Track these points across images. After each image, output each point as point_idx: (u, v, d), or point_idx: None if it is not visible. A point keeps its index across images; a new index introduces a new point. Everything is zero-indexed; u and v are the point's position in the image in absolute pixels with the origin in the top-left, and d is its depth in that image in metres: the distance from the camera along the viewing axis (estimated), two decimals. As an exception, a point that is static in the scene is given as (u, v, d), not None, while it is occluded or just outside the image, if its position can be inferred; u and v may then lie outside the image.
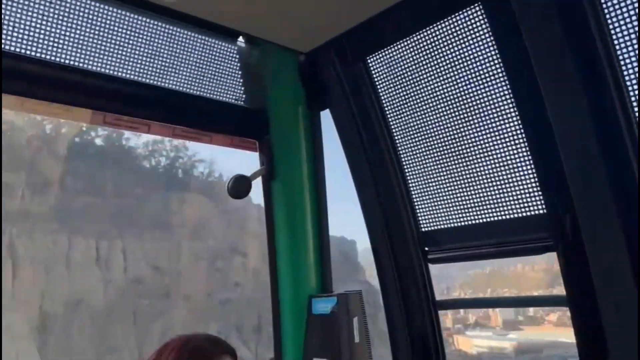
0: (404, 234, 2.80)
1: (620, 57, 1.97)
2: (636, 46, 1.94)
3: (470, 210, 2.61)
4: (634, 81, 1.96)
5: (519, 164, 2.45)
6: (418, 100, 2.70)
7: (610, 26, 1.97)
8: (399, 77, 2.71)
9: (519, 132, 2.43)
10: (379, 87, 2.78)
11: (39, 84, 2.45)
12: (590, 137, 1.98)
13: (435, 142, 2.70)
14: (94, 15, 2.50)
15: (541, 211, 2.36)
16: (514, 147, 2.46)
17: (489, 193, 2.55)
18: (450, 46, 2.56)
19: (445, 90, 2.62)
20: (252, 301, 58.06)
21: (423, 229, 2.83)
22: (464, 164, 2.64)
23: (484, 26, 2.42)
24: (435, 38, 2.59)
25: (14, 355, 40.64)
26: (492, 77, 2.44)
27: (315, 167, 3.08)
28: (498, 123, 2.48)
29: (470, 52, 2.54)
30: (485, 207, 2.56)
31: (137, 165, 74.64)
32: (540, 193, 2.38)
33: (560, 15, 1.99)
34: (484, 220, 2.57)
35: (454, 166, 2.67)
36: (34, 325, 45.34)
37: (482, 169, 2.58)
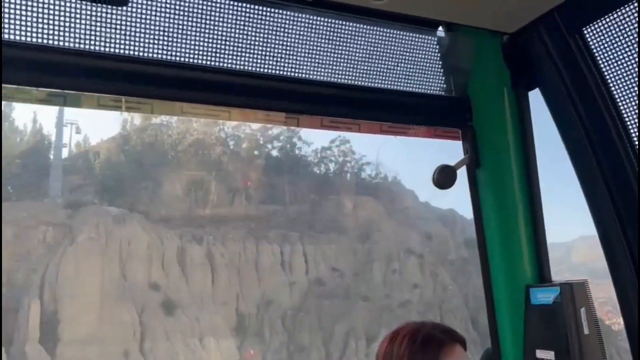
0: None
1: None
2: None
3: None
4: None
5: None
6: None
7: None
8: (625, 46, 2.49)
9: None
10: (599, 59, 2.57)
11: (261, 96, 2.58)
12: None
13: None
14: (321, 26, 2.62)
15: None
16: None
17: None
18: None
19: None
20: (432, 303, 56.30)
21: None
22: None
23: None
24: None
25: (219, 354, 44.39)
26: None
27: (525, 150, 2.91)
28: None
29: None
30: None
31: (310, 172, 77.70)
32: None
33: None
34: None
35: None
36: (232, 326, 49.24)
37: None
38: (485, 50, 2.93)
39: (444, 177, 2.83)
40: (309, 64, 2.59)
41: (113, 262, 41.56)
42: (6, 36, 2.04)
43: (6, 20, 2.03)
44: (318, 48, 2.59)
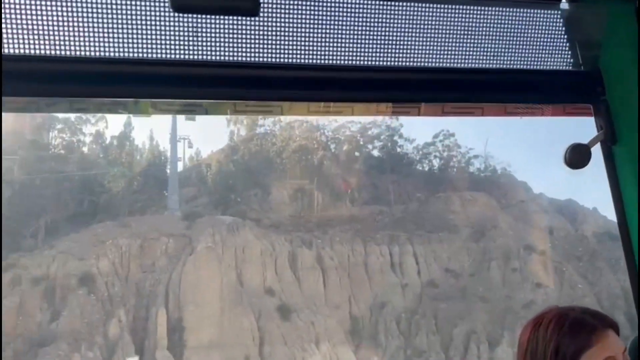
0: None
1: None
2: None
3: None
4: None
5: None
6: None
7: None
8: None
9: None
10: None
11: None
12: None
13: None
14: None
15: None
16: None
17: None
18: None
19: None
20: (560, 304, 50.74)
21: None
22: None
23: None
24: None
25: (335, 357, 43.88)
26: None
27: None
28: None
29: None
30: None
31: (414, 170, 75.25)
32: None
33: None
34: None
35: None
36: (347, 329, 48.58)
37: None
38: (616, 18, 2.77)
39: (577, 156, 2.71)
40: (428, 51, 2.51)
41: (230, 269, 42.61)
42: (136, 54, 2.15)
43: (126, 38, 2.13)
44: (437, 34, 2.51)
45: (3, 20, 2.03)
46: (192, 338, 37.30)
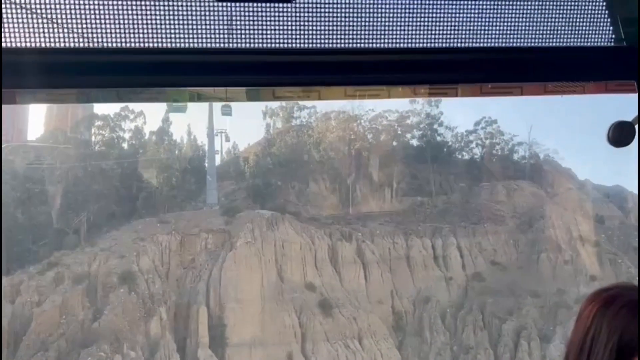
0: None
1: None
2: None
3: None
4: None
5: None
6: None
7: None
8: None
9: None
10: None
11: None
12: None
13: None
14: None
15: None
16: None
17: None
18: None
19: None
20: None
21: None
22: None
23: None
24: None
25: (380, 355, 42.31)
26: None
27: None
28: None
29: None
30: None
31: (454, 159, 72.40)
32: None
33: None
34: None
35: None
36: (389, 325, 46.91)
37: None
38: None
39: (621, 134, 2.54)
40: (465, 31, 2.42)
41: (270, 265, 41.51)
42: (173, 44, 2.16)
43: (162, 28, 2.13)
44: (474, 14, 2.44)
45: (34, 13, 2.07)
46: (233, 336, 36.39)
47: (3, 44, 2.02)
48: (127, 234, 39.84)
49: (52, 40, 2.05)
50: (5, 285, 33.58)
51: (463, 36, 2.41)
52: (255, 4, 2.15)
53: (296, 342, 39.82)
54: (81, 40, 2.07)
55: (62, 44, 2.05)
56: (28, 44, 2.05)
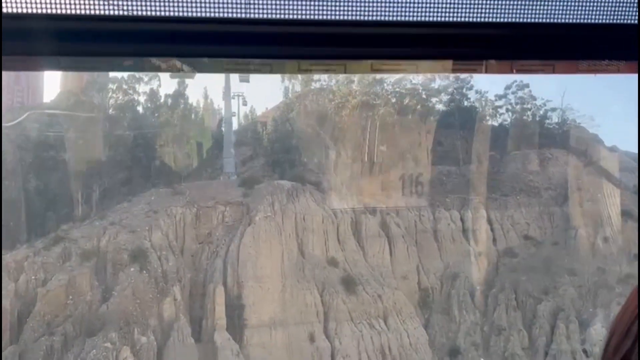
0: None
1: None
2: None
3: None
4: None
5: None
6: None
7: None
8: None
9: None
10: None
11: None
12: None
13: None
14: None
15: None
16: None
17: None
18: None
19: None
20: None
21: None
22: None
23: None
24: None
25: (406, 336, 39.23)
26: None
27: None
28: None
29: None
30: None
31: (484, 126, 67.53)
32: None
33: None
34: None
35: None
36: (415, 302, 43.73)
37: None
38: None
39: None
40: (494, 5, 2.25)
41: (290, 240, 38.16)
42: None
43: None
44: None
45: None
46: (252, 317, 33.38)
47: (4, 9, 1.92)
48: (139, 205, 36.61)
49: (56, 6, 1.93)
50: (9, 261, 30.81)
51: (492, 11, 2.21)
52: None
53: (318, 322, 36.82)
54: (93, 6, 1.92)
55: (71, 11, 1.93)
56: (30, 10, 1.93)
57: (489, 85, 71.28)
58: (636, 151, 59.70)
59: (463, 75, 65.46)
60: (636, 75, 2.36)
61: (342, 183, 54.57)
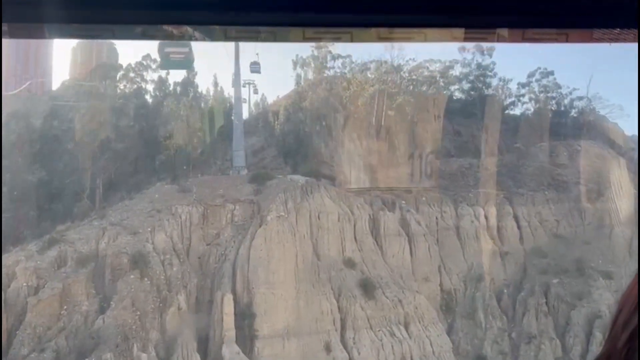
0: None
1: None
2: None
3: None
4: None
5: None
6: None
7: None
8: None
9: None
10: None
11: None
12: None
13: None
14: None
15: None
16: None
17: None
18: None
19: None
20: None
21: None
22: None
23: None
24: None
25: (429, 344, 35.88)
26: None
27: None
28: None
29: None
30: None
31: (506, 116, 63.31)
32: None
33: None
34: None
35: None
36: (437, 306, 40.35)
37: None
38: None
39: None
40: None
41: (305, 242, 34.76)
42: None
43: None
44: None
45: None
46: (264, 327, 30.12)
47: None
48: (141, 204, 33.35)
49: None
50: (-1, 265, 27.73)
51: None
52: None
53: (335, 331, 33.53)
54: None
55: None
56: None
57: (511, 72, 67.09)
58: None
59: (485, 62, 61.35)
60: None
61: (358, 176, 50.99)
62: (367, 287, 36.88)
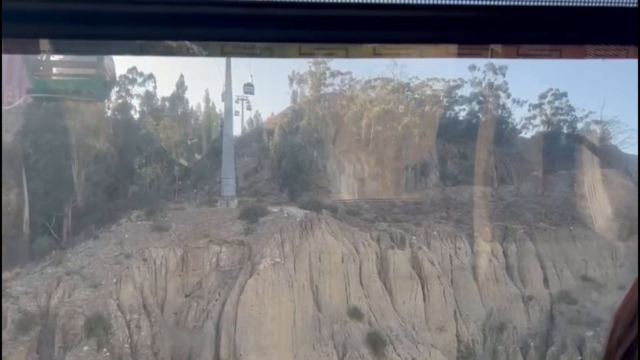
0: None
1: None
2: None
3: None
4: None
5: None
6: None
7: None
8: None
9: None
10: None
11: None
12: None
13: None
14: None
15: None
16: None
17: None
18: None
19: None
20: None
21: None
22: None
23: None
24: None
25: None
26: None
27: None
28: None
29: None
30: None
31: (518, 139, 57.93)
32: None
33: None
34: None
35: None
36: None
37: None
38: None
39: None
40: None
41: (304, 293, 28.44)
42: None
43: None
44: None
45: None
46: (254, 406, 23.71)
47: None
48: (108, 246, 26.90)
49: None
50: None
51: None
52: None
53: (341, 404, 27.16)
54: None
55: None
56: None
57: (522, 93, 61.83)
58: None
59: (497, 82, 55.90)
60: None
61: (362, 206, 44.90)
62: (376, 344, 30.59)
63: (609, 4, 2.16)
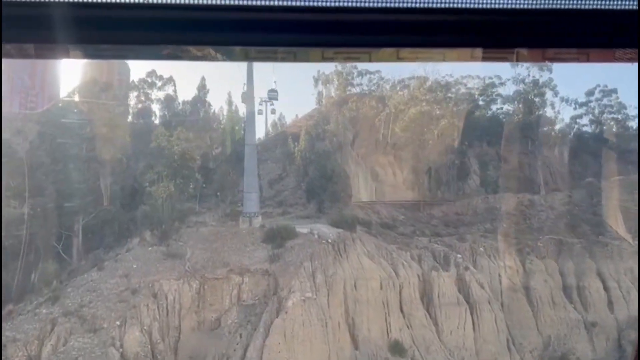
0: None
1: None
2: None
3: None
4: None
5: None
6: None
7: None
8: None
9: None
10: None
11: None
12: None
13: None
14: None
15: None
16: None
17: None
18: None
19: None
20: None
21: None
22: None
23: None
24: None
25: None
26: None
27: None
28: None
29: None
30: None
31: (567, 140, 51.99)
32: None
33: None
34: None
35: None
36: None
37: None
38: None
39: None
40: None
41: (341, 332, 23.78)
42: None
43: None
44: None
45: None
46: None
47: None
48: (112, 278, 22.81)
49: None
50: None
51: None
52: None
53: None
54: None
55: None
56: None
57: (567, 90, 55.87)
58: None
59: (543, 79, 50.09)
60: None
61: (398, 218, 40.03)
62: (423, 385, 25.80)
63: (633, 7, 2.05)
